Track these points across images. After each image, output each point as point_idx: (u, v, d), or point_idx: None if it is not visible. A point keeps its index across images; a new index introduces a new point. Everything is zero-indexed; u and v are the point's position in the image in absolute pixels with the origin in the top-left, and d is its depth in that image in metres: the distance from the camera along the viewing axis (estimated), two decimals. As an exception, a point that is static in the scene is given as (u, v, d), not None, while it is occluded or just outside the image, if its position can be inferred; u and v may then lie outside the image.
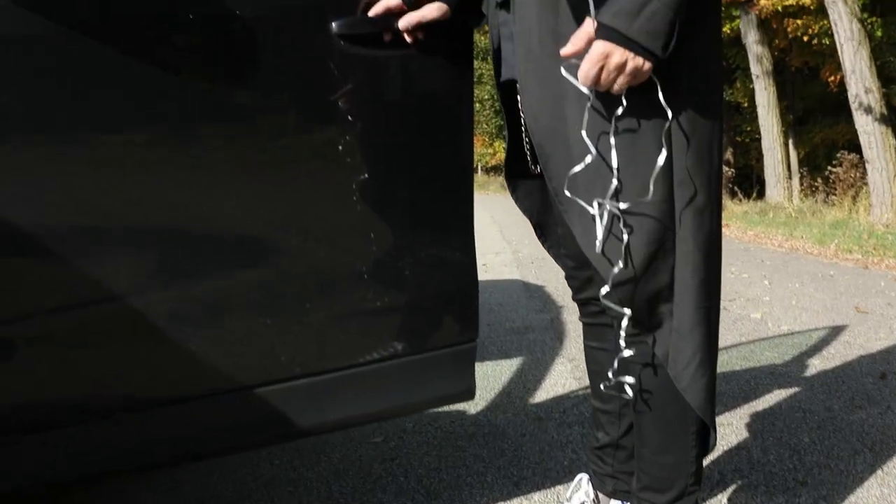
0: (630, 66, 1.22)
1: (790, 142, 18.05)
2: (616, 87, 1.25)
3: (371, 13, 1.47)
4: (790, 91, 20.09)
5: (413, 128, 1.64)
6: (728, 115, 20.49)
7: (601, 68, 1.23)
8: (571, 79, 1.29)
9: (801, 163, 18.50)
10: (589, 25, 1.25)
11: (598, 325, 1.67)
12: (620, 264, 1.34)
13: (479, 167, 33.77)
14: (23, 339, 1.35)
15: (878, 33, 13.05)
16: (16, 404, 1.35)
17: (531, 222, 1.76)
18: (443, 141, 1.66)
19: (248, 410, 1.56)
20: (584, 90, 1.29)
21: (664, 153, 1.30)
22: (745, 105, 20.25)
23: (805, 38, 13.56)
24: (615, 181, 1.32)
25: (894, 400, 2.88)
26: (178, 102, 1.39)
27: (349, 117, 1.51)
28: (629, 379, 1.46)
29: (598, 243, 1.35)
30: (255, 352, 1.53)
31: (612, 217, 1.34)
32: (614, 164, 1.32)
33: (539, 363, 3.52)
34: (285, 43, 1.46)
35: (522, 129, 1.58)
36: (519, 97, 1.47)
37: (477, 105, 27.49)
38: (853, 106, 11.00)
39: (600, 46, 1.22)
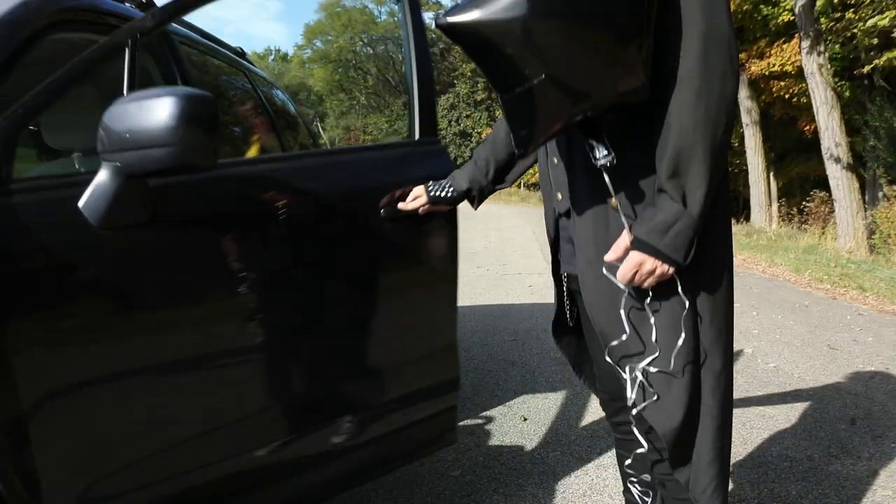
0: (658, 271, 1.27)
1: (771, 174, 17.68)
2: (646, 284, 1.30)
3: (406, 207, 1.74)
4: (773, 134, 19.62)
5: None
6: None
7: (635, 272, 1.28)
8: (612, 277, 1.35)
9: (779, 192, 18.14)
10: (626, 238, 1.30)
11: (628, 440, 1.67)
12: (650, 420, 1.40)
13: (522, 184, 33.59)
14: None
15: (847, 94, 12.67)
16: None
17: (569, 362, 1.82)
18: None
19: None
20: (622, 286, 1.34)
21: (683, 335, 1.34)
22: (736, 144, 19.85)
23: (786, 97, 13.22)
24: (646, 354, 1.37)
25: (864, 448, 2.83)
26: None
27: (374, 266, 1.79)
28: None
29: (630, 399, 1.40)
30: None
31: (641, 381, 1.38)
32: (647, 339, 1.37)
33: (580, 397, 3.51)
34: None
35: (566, 299, 1.67)
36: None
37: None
38: (825, 156, 10.77)
39: (636, 256, 1.28)
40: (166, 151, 1.26)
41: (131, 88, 1.43)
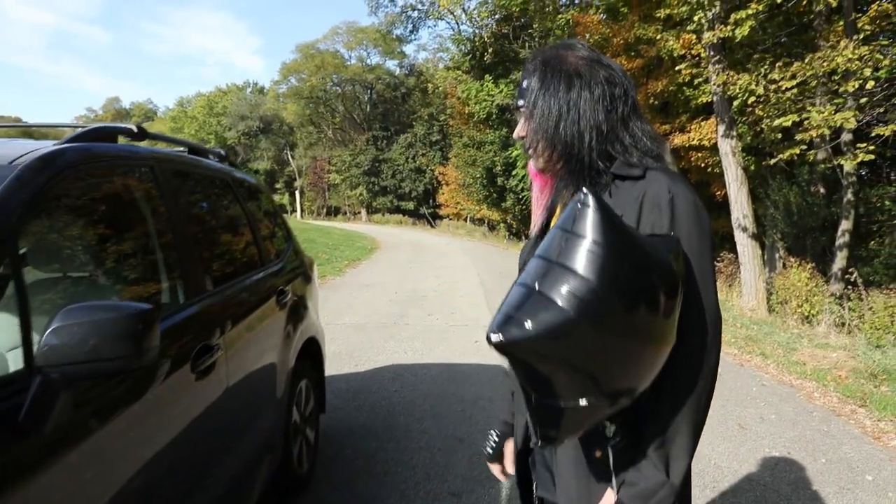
0: None
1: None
2: None
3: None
4: (687, 192, 20.10)
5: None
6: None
7: None
8: None
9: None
10: (611, 497, 1.19)
11: None
12: None
13: (468, 218, 33.71)
14: None
15: (752, 167, 13.02)
16: None
17: None
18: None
19: None
20: None
21: None
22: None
23: (702, 165, 13.51)
24: None
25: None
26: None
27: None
28: None
29: None
30: None
31: None
32: None
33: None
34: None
35: None
36: None
37: (470, 179, 27.43)
38: (734, 224, 11.04)
39: None
40: (106, 365, 1.26)
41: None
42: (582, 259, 0.98)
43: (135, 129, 2.15)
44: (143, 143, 2.26)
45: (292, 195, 57.48)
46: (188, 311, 2.03)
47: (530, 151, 1.33)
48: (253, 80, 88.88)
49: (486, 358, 6.03)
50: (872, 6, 8.63)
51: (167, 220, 2.09)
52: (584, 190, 1.01)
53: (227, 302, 2.33)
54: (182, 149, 2.75)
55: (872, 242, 12.40)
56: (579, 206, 1.01)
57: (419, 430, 4.11)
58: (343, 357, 6.01)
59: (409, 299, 9.66)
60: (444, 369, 5.64)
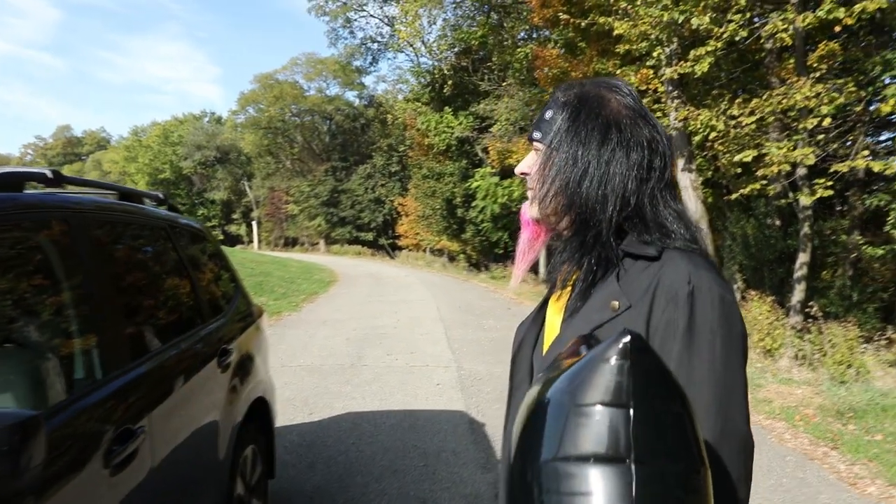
0: None
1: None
2: None
3: None
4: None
5: None
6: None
7: None
8: None
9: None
10: None
11: None
12: None
13: (428, 249, 33.48)
14: None
15: (710, 199, 13.19)
16: None
17: None
18: None
19: None
20: None
21: None
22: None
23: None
24: None
25: None
26: None
27: None
28: None
29: None
30: None
31: None
32: None
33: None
34: None
35: None
36: None
37: (430, 210, 27.28)
38: (694, 257, 11.08)
39: None
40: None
41: None
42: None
43: (49, 174, 1.87)
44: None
45: (249, 226, 56.46)
46: (107, 388, 1.73)
47: (534, 197, 1.09)
48: (210, 109, 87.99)
49: (449, 403, 5.75)
50: (820, 45, 8.83)
51: (85, 280, 1.79)
52: (626, 336, 0.71)
53: (157, 372, 2.03)
54: (111, 193, 2.45)
55: (825, 273, 12.59)
56: (610, 359, 0.70)
57: (378, 490, 3.80)
58: (297, 404, 5.65)
59: (368, 337, 9.32)
60: (404, 417, 5.33)
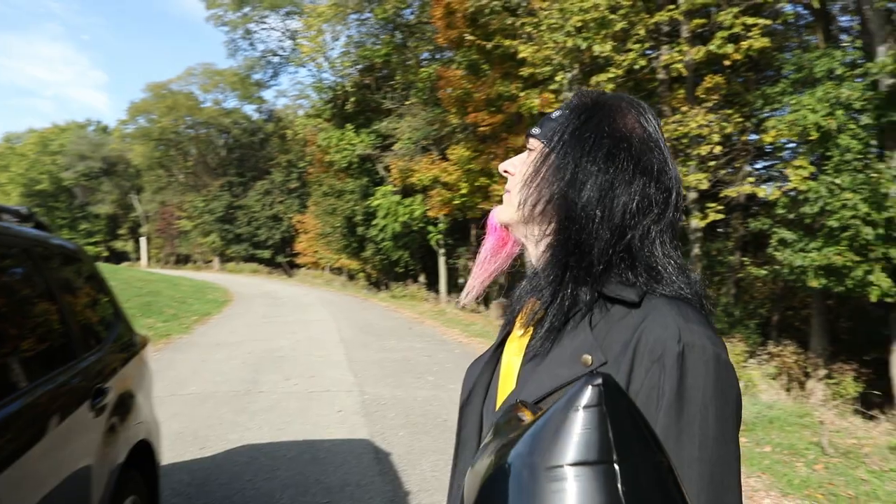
0: None
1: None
2: None
3: None
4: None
5: None
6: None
7: None
8: None
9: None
10: None
11: None
12: None
13: (327, 267, 32.84)
14: None
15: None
16: None
17: None
18: None
19: None
20: None
21: None
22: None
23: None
24: None
25: None
26: None
27: None
28: None
29: None
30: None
31: None
32: None
33: None
34: None
35: None
36: None
37: (330, 228, 26.78)
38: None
39: None
40: None
41: None
42: None
43: None
44: None
45: (137, 242, 53.41)
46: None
47: (513, 199, 0.93)
48: (96, 117, 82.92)
49: (352, 430, 5.47)
50: (707, 77, 9.35)
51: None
52: (597, 378, 0.57)
53: (11, 422, 1.69)
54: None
55: (710, 290, 13.30)
56: (582, 408, 0.57)
57: (277, 534, 3.49)
58: (187, 438, 5.20)
59: (265, 360, 8.86)
60: (304, 448, 5.01)
